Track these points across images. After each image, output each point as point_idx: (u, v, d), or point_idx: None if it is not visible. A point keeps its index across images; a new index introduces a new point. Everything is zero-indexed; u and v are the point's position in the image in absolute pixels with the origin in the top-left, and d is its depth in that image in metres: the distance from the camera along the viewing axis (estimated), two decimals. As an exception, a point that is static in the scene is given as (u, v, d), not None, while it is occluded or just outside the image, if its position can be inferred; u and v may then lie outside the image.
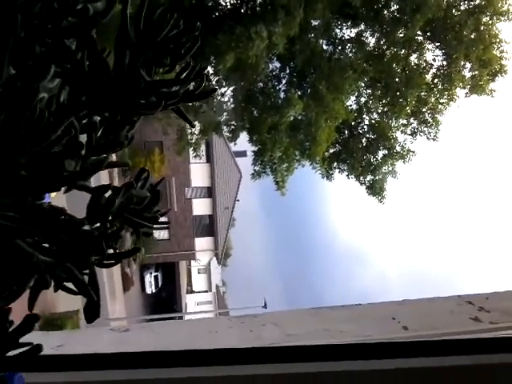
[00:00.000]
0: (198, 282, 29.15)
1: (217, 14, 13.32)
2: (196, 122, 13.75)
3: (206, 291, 29.27)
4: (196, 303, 27.67)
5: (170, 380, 1.03)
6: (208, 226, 24.40)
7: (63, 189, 0.67)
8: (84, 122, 0.66)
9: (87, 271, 0.52)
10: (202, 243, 24.21)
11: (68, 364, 1.00)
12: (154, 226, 0.78)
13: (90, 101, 0.58)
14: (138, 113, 0.55)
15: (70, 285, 0.54)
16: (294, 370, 0.98)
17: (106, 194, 0.77)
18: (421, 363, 0.99)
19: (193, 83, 0.60)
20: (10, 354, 0.48)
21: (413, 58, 13.71)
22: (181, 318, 23.39)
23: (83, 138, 0.71)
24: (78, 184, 0.71)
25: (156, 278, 25.87)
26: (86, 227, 0.56)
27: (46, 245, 0.52)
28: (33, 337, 0.51)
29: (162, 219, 0.88)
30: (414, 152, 14.70)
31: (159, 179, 0.82)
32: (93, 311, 0.49)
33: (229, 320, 1.40)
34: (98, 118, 0.66)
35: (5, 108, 0.47)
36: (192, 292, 28.29)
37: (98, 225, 0.65)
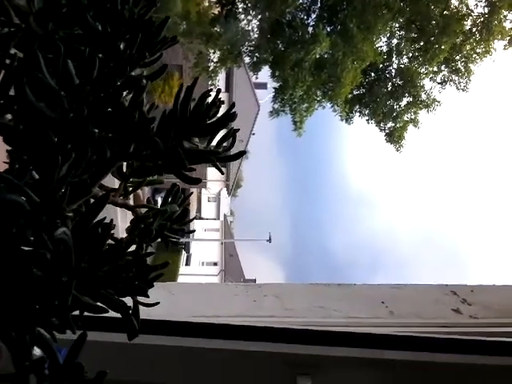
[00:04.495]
0: (207, 209, 30.03)
1: None
2: (216, 50, 13.36)
3: (214, 219, 30.25)
4: (204, 229, 28.74)
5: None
6: (222, 157, 24.46)
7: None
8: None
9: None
10: (214, 173, 24.60)
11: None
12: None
13: (136, 152, 0.68)
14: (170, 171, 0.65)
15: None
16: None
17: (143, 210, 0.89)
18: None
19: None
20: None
21: (453, 1, 12.81)
22: (187, 243, 24.45)
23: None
24: (119, 202, 0.83)
25: (167, 201, 26.58)
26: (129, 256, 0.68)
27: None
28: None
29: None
30: (439, 102, 14.28)
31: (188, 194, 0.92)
32: (133, 334, 0.63)
33: (235, 287, 1.57)
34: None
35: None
36: (200, 218, 29.23)
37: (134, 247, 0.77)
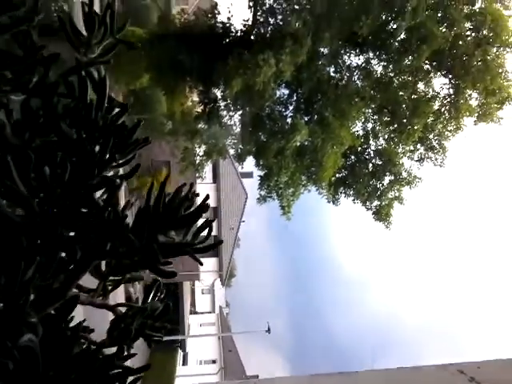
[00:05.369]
0: (202, 302, 29.05)
1: (227, 40, 13.59)
2: (202, 145, 13.94)
3: (210, 312, 29.16)
4: (199, 324, 27.56)
5: None
6: (213, 247, 24.25)
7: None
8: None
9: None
10: (207, 264, 24.23)
11: None
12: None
13: (113, 250, 0.67)
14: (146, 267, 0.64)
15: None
16: None
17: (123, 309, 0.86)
18: None
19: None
20: None
21: (420, 86, 13.84)
22: (183, 341, 23.30)
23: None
24: (98, 303, 0.81)
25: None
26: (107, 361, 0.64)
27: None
28: None
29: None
30: (420, 178, 14.74)
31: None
32: None
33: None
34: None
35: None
36: (195, 313, 28.19)
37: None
